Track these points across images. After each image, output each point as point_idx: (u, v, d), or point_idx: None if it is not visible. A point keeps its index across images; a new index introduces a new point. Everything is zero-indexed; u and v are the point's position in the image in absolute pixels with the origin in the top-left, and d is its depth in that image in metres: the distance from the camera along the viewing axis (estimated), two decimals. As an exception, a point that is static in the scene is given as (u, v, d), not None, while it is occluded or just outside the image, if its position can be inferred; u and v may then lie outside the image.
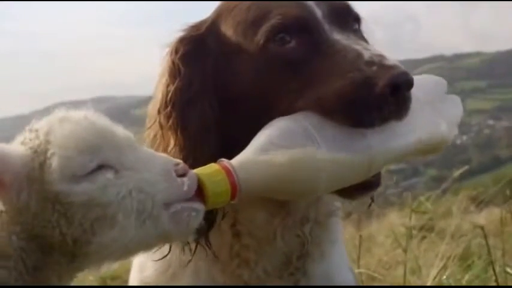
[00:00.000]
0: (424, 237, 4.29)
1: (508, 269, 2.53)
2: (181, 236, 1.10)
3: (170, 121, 1.38)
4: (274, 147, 1.16)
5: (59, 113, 1.04)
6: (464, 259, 3.26)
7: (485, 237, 1.99)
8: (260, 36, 1.33)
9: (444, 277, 2.72)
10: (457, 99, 1.42)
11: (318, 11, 1.35)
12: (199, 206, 1.06)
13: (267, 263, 1.47)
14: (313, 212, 1.48)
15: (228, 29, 1.40)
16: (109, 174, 0.98)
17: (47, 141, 0.98)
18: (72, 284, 1.06)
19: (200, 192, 1.07)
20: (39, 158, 0.98)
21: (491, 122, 78.85)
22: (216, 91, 1.39)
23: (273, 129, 1.21)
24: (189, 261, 1.42)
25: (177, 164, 1.05)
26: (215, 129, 1.38)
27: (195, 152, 1.35)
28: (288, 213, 1.44)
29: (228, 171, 1.11)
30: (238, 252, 1.46)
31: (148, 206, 0.99)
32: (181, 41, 1.43)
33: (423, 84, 1.33)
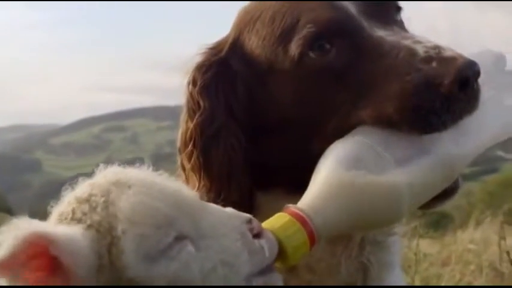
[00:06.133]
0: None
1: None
2: None
3: (192, 161, 1.26)
4: (342, 178, 1.01)
5: (108, 175, 0.86)
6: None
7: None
8: (293, 50, 1.17)
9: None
10: None
11: (351, 7, 1.18)
12: (278, 278, 0.93)
13: None
14: (371, 232, 1.28)
15: (253, 47, 1.24)
16: (190, 247, 0.84)
17: (112, 216, 0.81)
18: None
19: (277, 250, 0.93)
20: (105, 239, 0.81)
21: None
22: (249, 120, 1.26)
23: (333, 158, 1.06)
24: None
25: (250, 221, 0.90)
26: (244, 164, 1.24)
27: (224, 192, 1.22)
28: (349, 238, 1.26)
29: (301, 220, 0.97)
30: None
31: (232, 281, 0.85)
32: (199, 68, 1.28)
33: (480, 63, 1.12)
